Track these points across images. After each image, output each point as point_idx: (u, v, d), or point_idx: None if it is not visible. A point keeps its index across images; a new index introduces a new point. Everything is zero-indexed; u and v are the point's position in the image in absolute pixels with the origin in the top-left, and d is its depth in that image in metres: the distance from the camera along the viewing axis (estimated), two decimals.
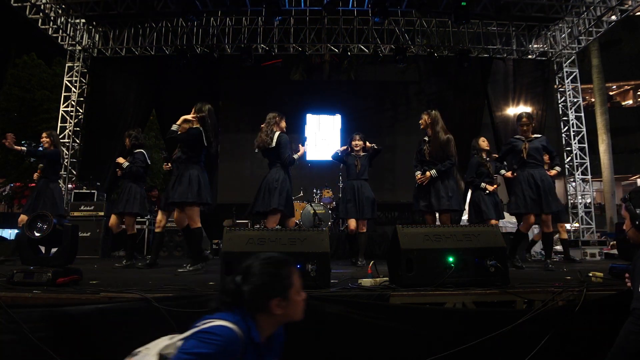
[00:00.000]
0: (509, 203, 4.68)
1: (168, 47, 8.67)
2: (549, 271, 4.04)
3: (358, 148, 5.14)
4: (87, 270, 4.06)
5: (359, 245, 5.10)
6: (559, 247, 9.16)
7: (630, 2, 7.62)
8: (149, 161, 5.22)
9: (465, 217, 6.56)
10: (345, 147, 5.24)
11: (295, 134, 9.41)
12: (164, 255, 6.85)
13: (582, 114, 8.99)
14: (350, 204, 4.96)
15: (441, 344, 2.32)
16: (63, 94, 8.56)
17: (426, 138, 4.48)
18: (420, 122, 4.51)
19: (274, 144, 4.32)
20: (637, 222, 1.98)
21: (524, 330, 2.34)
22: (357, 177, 5.05)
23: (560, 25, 8.70)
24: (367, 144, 5.15)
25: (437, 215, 4.53)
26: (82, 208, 6.93)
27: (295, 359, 2.34)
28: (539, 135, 4.61)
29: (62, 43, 8.45)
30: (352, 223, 4.99)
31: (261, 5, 7.66)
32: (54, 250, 2.86)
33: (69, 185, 8.24)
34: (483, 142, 5.50)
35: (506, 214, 5.79)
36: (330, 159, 5.38)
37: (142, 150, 5.20)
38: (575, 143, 8.86)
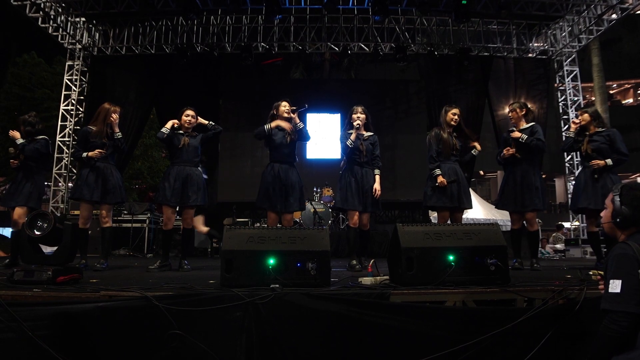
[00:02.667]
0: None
1: (168, 46, 8.67)
2: (535, 271, 4.01)
3: (360, 124, 4.38)
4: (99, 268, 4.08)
5: (361, 243, 4.48)
6: (559, 246, 9.18)
7: (630, 1, 7.60)
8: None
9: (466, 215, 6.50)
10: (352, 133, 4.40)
11: None
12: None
13: None
14: (352, 192, 4.27)
15: (441, 343, 2.32)
16: (63, 92, 8.57)
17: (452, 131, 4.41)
18: (456, 115, 4.42)
19: None
20: (617, 219, 1.95)
21: (525, 328, 2.34)
22: (361, 163, 4.34)
23: (561, 23, 8.69)
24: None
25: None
26: None
27: (294, 358, 2.34)
28: (531, 124, 4.36)
29: (62, 42, 8.45)
30: (355, 215, 4.30)
31: (261, 3, 7.65)
32: (53, 248, 2.86)
33: (69, 184, 8.23)
34: None
35: (506, 212, 5.73)
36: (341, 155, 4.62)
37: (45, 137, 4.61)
38: None
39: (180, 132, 4.33)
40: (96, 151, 4.20)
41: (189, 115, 4.34)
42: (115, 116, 4.33)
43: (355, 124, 4.34)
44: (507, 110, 4.44)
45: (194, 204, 4.26)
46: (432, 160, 4.34)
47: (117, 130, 4.34)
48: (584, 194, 4.25)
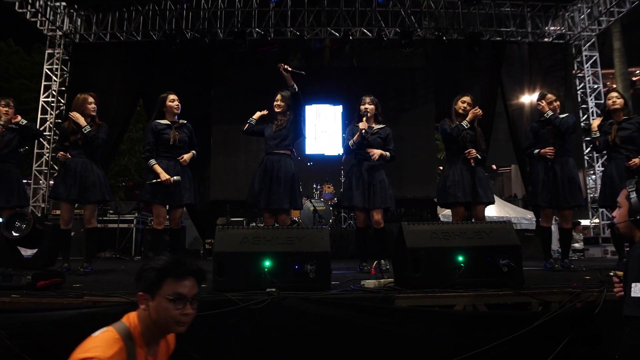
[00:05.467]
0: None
1: (156, 32, 8.62)
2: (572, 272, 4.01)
3: (369, 115, 4.31)
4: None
5: (377, 244, 4.31)
6: (577, 245, 9.19)
7: None
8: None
9: None
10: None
11: None
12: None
13: (603, 102, 8.95)
14: (357, 190, 4.18)
15: (450, 349, 2.32)
16: (43, 83, 8.54)
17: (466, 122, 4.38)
18: (465, 102, 4.50)
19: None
20: (638, 217, 1.90)
21: (540, 334, 2.34)
22: (367, 157, 4.22)
23: (579, 5, 8.64)
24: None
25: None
26: None
27: None
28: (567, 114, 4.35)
29: (42, 28, 8.41)
30: (362, 215, 4.27)
31: None
32: (33, 251, 2.86)
33: (50, 182, 8.23)
34: None
35: (521, 209, 5.73)
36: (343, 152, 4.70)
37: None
38: None
39: (166, 122, 4.24)
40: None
41: (174, 100, 4.30)
42: (91, 106, 4.25)
43: (364, 110, 4.31)
44: (529, 99, 4.45)
45: (186, 202, 4.27)
46: (450, 131, 4.32)
47: (97, 120, 4.29)
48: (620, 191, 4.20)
